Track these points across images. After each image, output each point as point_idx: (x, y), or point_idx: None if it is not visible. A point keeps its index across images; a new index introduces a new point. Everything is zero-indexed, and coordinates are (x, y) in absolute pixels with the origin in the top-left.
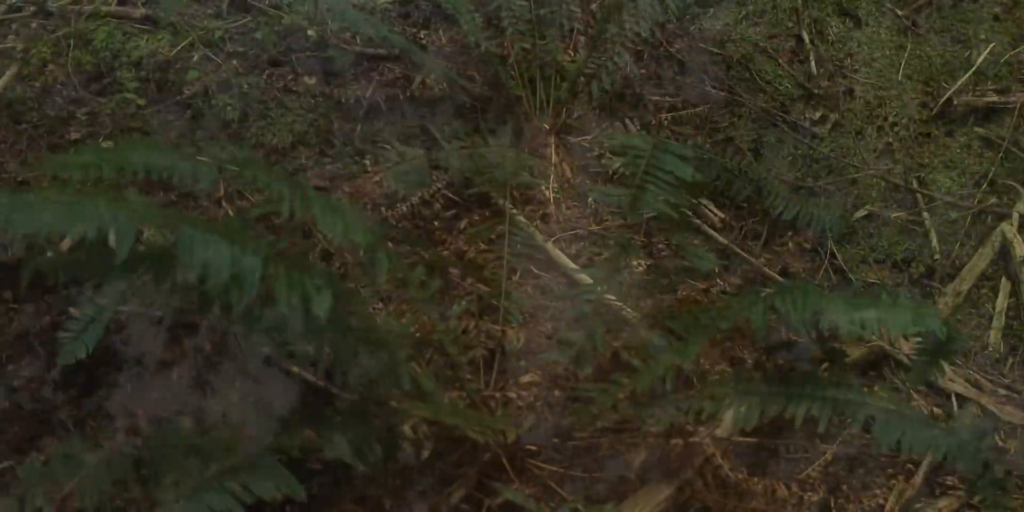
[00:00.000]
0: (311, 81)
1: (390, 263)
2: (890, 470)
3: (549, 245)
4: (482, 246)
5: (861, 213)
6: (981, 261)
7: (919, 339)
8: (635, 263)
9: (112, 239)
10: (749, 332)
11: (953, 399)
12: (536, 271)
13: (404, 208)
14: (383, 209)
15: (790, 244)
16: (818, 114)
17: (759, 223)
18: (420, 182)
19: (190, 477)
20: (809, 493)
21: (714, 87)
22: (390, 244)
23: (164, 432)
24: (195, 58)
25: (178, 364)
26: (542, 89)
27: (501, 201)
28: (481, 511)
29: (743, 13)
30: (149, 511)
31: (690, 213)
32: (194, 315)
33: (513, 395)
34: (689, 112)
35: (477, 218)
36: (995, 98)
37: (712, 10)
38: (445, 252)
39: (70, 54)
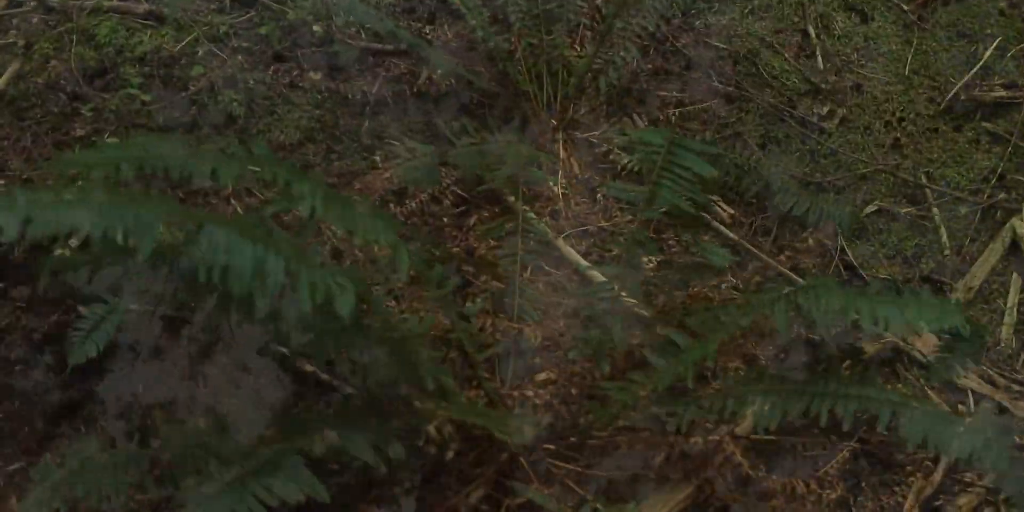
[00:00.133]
0: (317, 77)
1: (411, 261)
2: (908, 467)
3: (560, 242)
4: (492, 243)
5: (871, 209)
6: (992, 257)
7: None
8: (645, 260)
9: (120, 237)
10: (763, 329)
11: (970, 396)
12: (547, 268)
13: (413, 204)
14: (392, 206)
15: (800, 240)
16: (826, 109)
17: (769, 219)
18: (431, 178)
19: (212, 479)
20: (827, 491)
21: (721, 82)
22: None
23: (179, 432)
24: (200, 53)
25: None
26: (549, 84)
27: (511, 198)
28: (500, 511)
29: (748, 8)
30: None
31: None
32: (191, 309)
33: (530, 393)
34: (696, 107)
35: (486, 215)
36: (1002, 93)
37: (717, 5)
38: (455, 249)
39: (73, 50)
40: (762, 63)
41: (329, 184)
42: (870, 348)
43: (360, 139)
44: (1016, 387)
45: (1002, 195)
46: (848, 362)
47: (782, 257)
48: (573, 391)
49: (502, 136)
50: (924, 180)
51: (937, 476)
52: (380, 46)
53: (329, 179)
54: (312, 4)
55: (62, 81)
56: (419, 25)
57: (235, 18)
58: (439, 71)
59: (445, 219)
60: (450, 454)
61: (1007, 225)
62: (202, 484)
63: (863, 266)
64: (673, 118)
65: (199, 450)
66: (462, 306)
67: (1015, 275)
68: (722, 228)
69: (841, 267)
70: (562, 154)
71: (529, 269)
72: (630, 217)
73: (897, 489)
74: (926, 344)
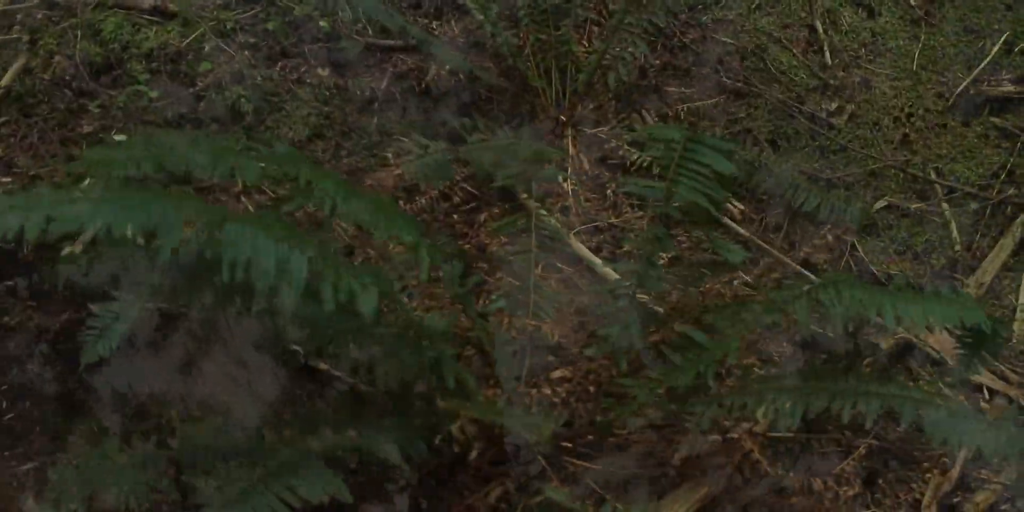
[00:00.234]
0: (324, 73)
1: (433, 259)
2: (925, 464)
3: (572, 238)
4: (503, 240)
5: (880, 204)
6: (1002, 252)
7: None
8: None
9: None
10: (776, 326)
11: (984, 392)
12: (559, 265)
13: (423, 201)
14: (402, 202)
15: (819, 237)
16: (834, 105)
17: (779, 215)
18: (442, 175)
19: (233, 480)
20: (845, 488)
21: (729, 78)
22: None
23: (196, 431)
24: (206, 49)
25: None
26: (557, 80)
27: (523, 194)
28: (518, 510)
29: (755, 3)
30: None
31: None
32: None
33: (548, 391)
34: (705, 103)
35: (497, 211)
36: (1010, 88)
37: (724, 0)
38: (466, 246)
39: (78, 45)
40: (770, 59)
41: None
42: (884, 344)
43: (369, 135)
44: None
45: (1012, 191)
46: (865, 359)
47: (792, 252)
48: (590, 389)
49: (512, 132)
50: (933, 176)
51: (954, 472)
52: (387, 42)
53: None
54: None
55: (68, 77)
56: (425, 21)
57: (241, 14)
58: (448, 67)
59: (455, 216)
60: (474, 454)
61: (1017, 220)
62: (224, 485)
63: (874, 262)
64: (682, 114)
65: (217, 450)
66: (476, 304)
67: None
68: (733, 224)
69: (852, 263)
70: (571, 150)
71: (540, 266)
72: (640, 213)
73: (915, 486)
74: (938, 340)
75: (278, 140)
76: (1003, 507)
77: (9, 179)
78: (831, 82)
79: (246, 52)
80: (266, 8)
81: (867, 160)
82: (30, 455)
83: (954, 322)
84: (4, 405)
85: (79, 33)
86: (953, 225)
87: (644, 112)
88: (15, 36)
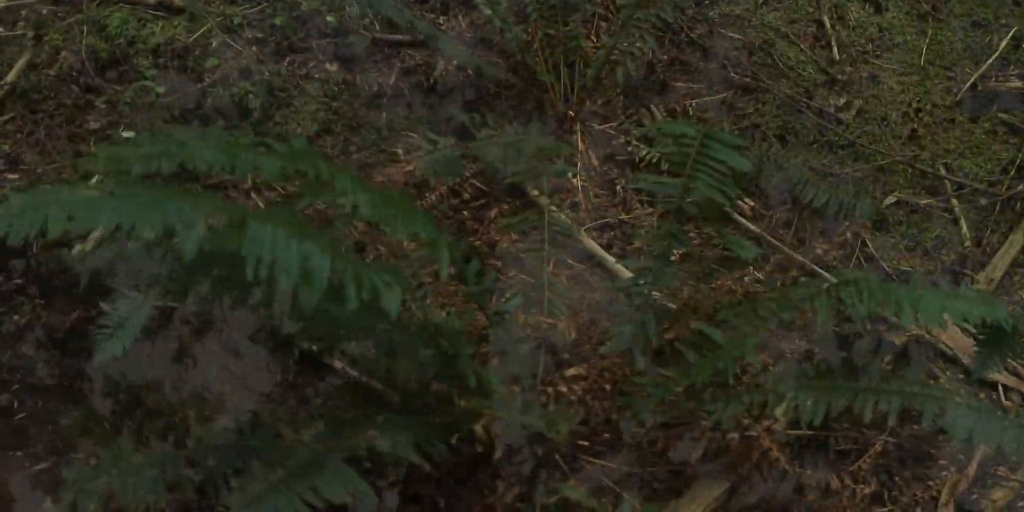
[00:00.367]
0: (332, 68)
1: (452, 257)
2: (941, 461)
3: (583, 235)
4: (514, 236)
5: (890, 200)
6: (1012, 248)
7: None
8: None
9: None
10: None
11: (1000, 389)
12: (569, 261)
13: (433, 197)
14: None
15: (822, 232)
16: (842, 100)
17: (789, 211)
18: (453, 171)
19: (255, 480)
20: (861, 485)
21: (737, 73)
22: None
23: (214, 431)
24: (213, 45)
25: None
26: (566, 75)
27: (532, 191)
28: (536, 509)
29: None
30: None
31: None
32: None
33: (564, 389)
34: (713, 98)
35: (507, 208)
36: (1018, 84)
37: None
38: (477, 242)
39: (84, 41)
40: (777, 54)
41: None
42: (897, 341)
43: (378, 131)
44: None
45: (1021, 186)
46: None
47: (802, 248)
48: (606, 387)
49: (521, 128)
50: (942, 171)
51: (971, 470)
52: (394, 37)
53: None
54: None
55: (74, 73)
56: (432, 16)
57: (248, 9)
58: (455, 62)
59: (465, 212)
60: (497, 454)
61: None
62: (245, 485)
63: (884, 258)
64: (690, 110)
65: (236, 450)
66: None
67: None
68: (743, 221)
69: (862, 258)
70: (580, 146)
71: (551, 263)
72: (650, 210)
73: (931, 483)
74: (951, 336)
75: (297, 137)
76: (1020, 504)
77: (16, 176)
78: (839, 77)
79: (253, 47)
80: (273, 3)
81: (875, 156)
82: (41, 455)
83: (975, 319)
84: (15, 405)
85: (85, 28)
86: (963, 221)
87: (652, 107)
88: (20, 32)
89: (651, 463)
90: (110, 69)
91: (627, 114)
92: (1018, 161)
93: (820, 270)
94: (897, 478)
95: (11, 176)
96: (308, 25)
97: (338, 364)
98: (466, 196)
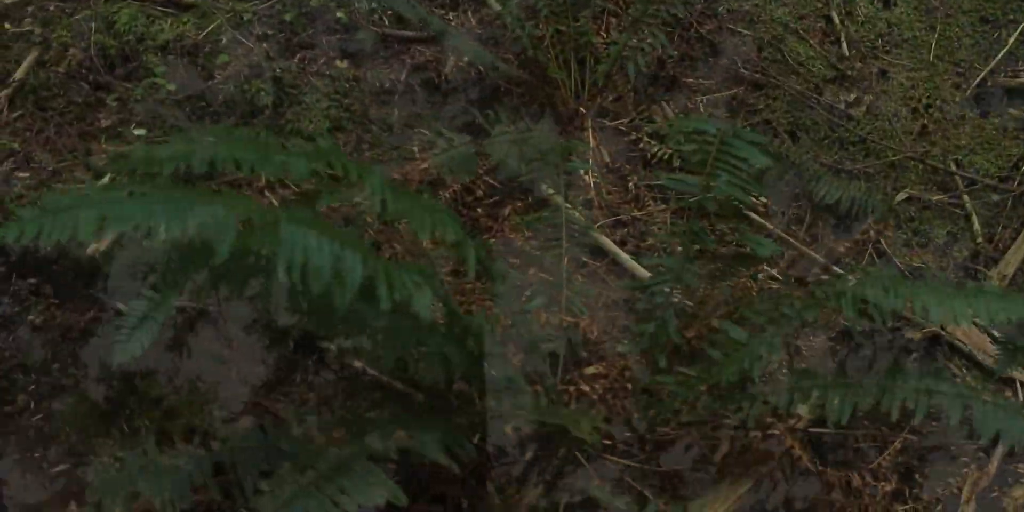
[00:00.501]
0: (343, 65)
1: (478, 257)
2: (962, 458)
3: (597, 232)
4: (528, 234)
5: (902, 196)
6: None
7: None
8: (680, 249)
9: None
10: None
11: (1018, 386)
12: (583, 259)
13: (447, 195)
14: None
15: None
16: (852, 96)
17: (801, 207)
18: (468, 168)
19: (284, 482)
20: (882, 483)
21: (747, 69)
22: None
23: (237, 432)
24: (223, 41)
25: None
26: (576, 72)
27: (547, 188)
28: (559, 508)
29: None
30: None
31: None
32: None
33: (586, 388)
34: (724, 94)
35: (520, 205)
36: None
37: None
38: (491, 240)
39: (92, 38)
40: (787, 49)
41: None
42: (913, 337)
43: (390, 128)
44: None
45: None
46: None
47: (815, 245)
48: (628, 386)
49: (534, 125)
50: (953, 167)
51: (992, 467)
52: (403, 33)
53: None
54: None
55: (83, 70)
56: (441, 12)
57: (258, 5)
58: (465, 58)
59: (479, 209)
60: (528, 454)
61: None
62: (275, 487)
63: (896, 254)
64: (701, 106)
65: (263, 451)
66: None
67: None
68: (757, 217)
69: (875, 255)
70: (591, 142)
71: (566, 260)
72: (663, 206)
73: (952, 480)
74: (966, 333)
75: (324, 136)
76: None
77: (27, 174)
78: (849, 73)
79: (264, 44)
80: None
81: (886, 152)
82: (60, 457)
83: (998, 316)
84: (31, 406)
85: (93, 25)
86: (974, 217)
87: (664, 104)
88: (27, 29)
89: (674, 462)
90: (119, 66)
91: (638, 111)
92: None
93: (837, 269)
94: (917, 475)
95: (22, 174)
96: (317, 21)
97: (358, 364)
98: (479, 193)
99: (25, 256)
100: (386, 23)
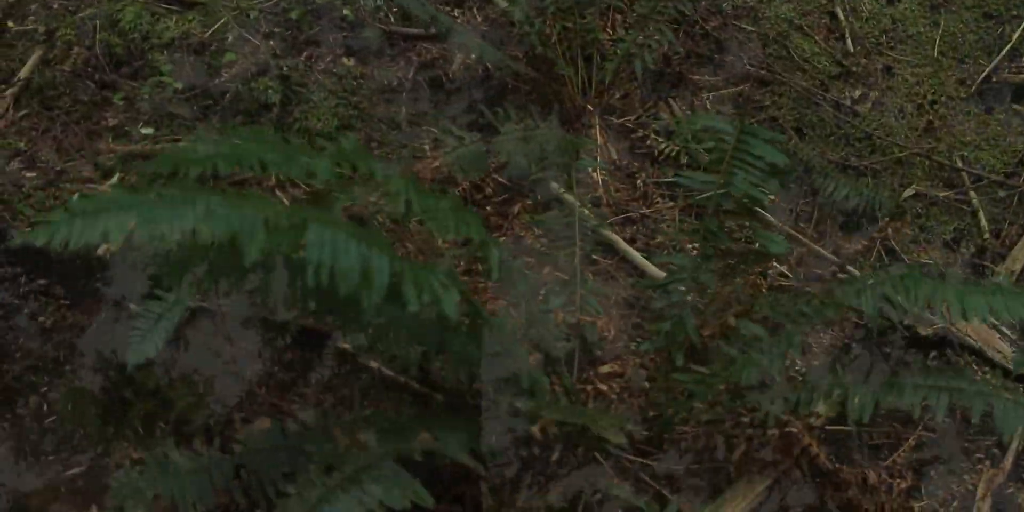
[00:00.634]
0: (350, 62)
1: (501, 257)
2: (977, 455)
3: (608, 231)
4: (538, 232)
5: (908, 192)
6: None
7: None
8: (689, 247)
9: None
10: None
11: None
12: (594, 256)
13: (456, 193)
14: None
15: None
16: (858, 92)
17: (808, 204)
18: (479, 166)
19: (311, 485)
20: (898, 480)
21: (752, 66)
22: None
23: (257, 434)
24: (230, 39)
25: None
26: (583, 68)
27: (557, 186)
28: (579, 507)
29: None
30: None
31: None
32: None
33: (604, 387)
34: (730, 91)
35: (530, 203)
36: None
37: None
38: (502, 238)
39: (97, 36)
40: (792, 46)
41: None
42: (923, 333)
43: (399, 126)
44: None
45: None
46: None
47: (823, 241)
48: (645, 384)
49: (542, 122)
50: (959, 163)
51: (1007, 464)
52: (409, 30)
53: None
54: None
55: (89, 69)
56: (447, 9)
57: (263, 3)
58: (472, 56)
59: (488, 207)
60: (555, 455)
61: None
62: (302, 490)
63: (904, 250)
64: (707, 103)
65: (284, 453)
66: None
67: None
68: (765, 214)
69: (883, 251)
70: (599, 140)
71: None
72: (671, 204)
73: (966, 477)
74: (976, 329)
75: (347, 136)
76: None
77: (34, 174)
78: (854, 69)
79: (270, 42)
80: None
81: (892, 148)
82: (76, 459)
83: (1019, 314)
84: (45, 408)
85: (97, 23)
86: (981, 213)
87: (670, 101)
88: (31, 27)
89: (692, 460)
90: (125, 65)
91: (644, 108)
92: None
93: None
94: (932, 472)
95: (29, 174)
96: (323, 19)
97: (374, 364)
98: (488, 191)
99: (35, 257)
100: (391, 21)
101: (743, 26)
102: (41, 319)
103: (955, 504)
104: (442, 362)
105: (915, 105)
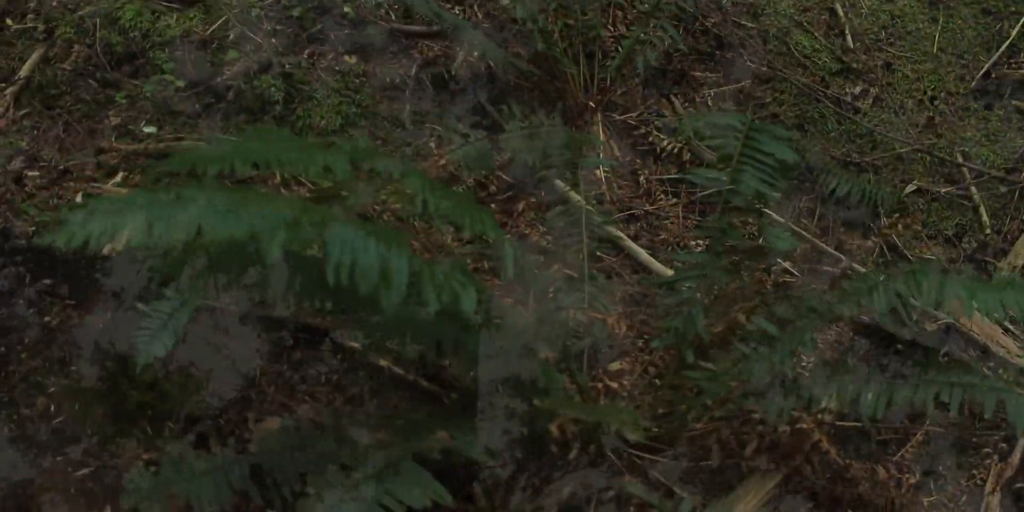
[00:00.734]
0: (353, 60)
1: (516, 256)
2: (985, 450)
3: (614, 228)
4: (543, 229)
5: (910, 188)
6: None
7: None
8: (693, 244)
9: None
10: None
11: None
12: (599, 253)
13: (461, 190)
14: None
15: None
16: (858, 89)
17: (811, 200)
18: (484, 164)
19: (331, 485)
20: (907, 475)
21: (753, 62)
22: None
23: (271, 434)
24: (231, 37)
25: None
26: (585, 66)
27: (563, 183)
28: (591, 505)
29: None
30: None
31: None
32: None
33: (615, 385)
34: (732, 88)
35: (534, 200)
36: None
37: None
38: (507, 236)
39: (98, 34)
40: (793, 42)
41: None
42: (928, 329)
43: (402, 123)
44: None
45: None
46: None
47: (826, 237)
48: (655, 381)
49: (546, 120)
50: (960, 159)
51: (1016, 458)
52: (411, 28)
53: None
54: None
55: (91, 67)
56: (449, 6)
57: (264, 0)
58: (475, 53)
59: (493, 205)
60: (573, 453)
61: None
62: (320, 490)
63: (906, 246)
64: (709, 99)
65: (300, 452)
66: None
67: None
68: (767, 210)
69: (885, 247)
70: (602, 137)
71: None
72: (674, 200)
73: (975, 472)
74: (979, 324)
75: (361, 136)
76: None
77: (37, 173)
78: (854, 66)
79: (273, 40)
80: None
81: (894, 144)
82: (84, 460)
83: None
84: (52, 409)
85: (97, 21)
86: (982, 209)
87: (672, 98)
88: (30, 25)
89: (702, 457)
90: (126, 63)
91: (646, 105)
92: None
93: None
94: (940, 467)
95: (31, 173)
96: (325, 16)
97: (382, 362)
98: (493, 189)
99: (39, 256)
100: (393, 18)
101: (743, 23)
102: (47, 319)
103: (964, 498)
104: (455, 360)
105: (915, 101)
